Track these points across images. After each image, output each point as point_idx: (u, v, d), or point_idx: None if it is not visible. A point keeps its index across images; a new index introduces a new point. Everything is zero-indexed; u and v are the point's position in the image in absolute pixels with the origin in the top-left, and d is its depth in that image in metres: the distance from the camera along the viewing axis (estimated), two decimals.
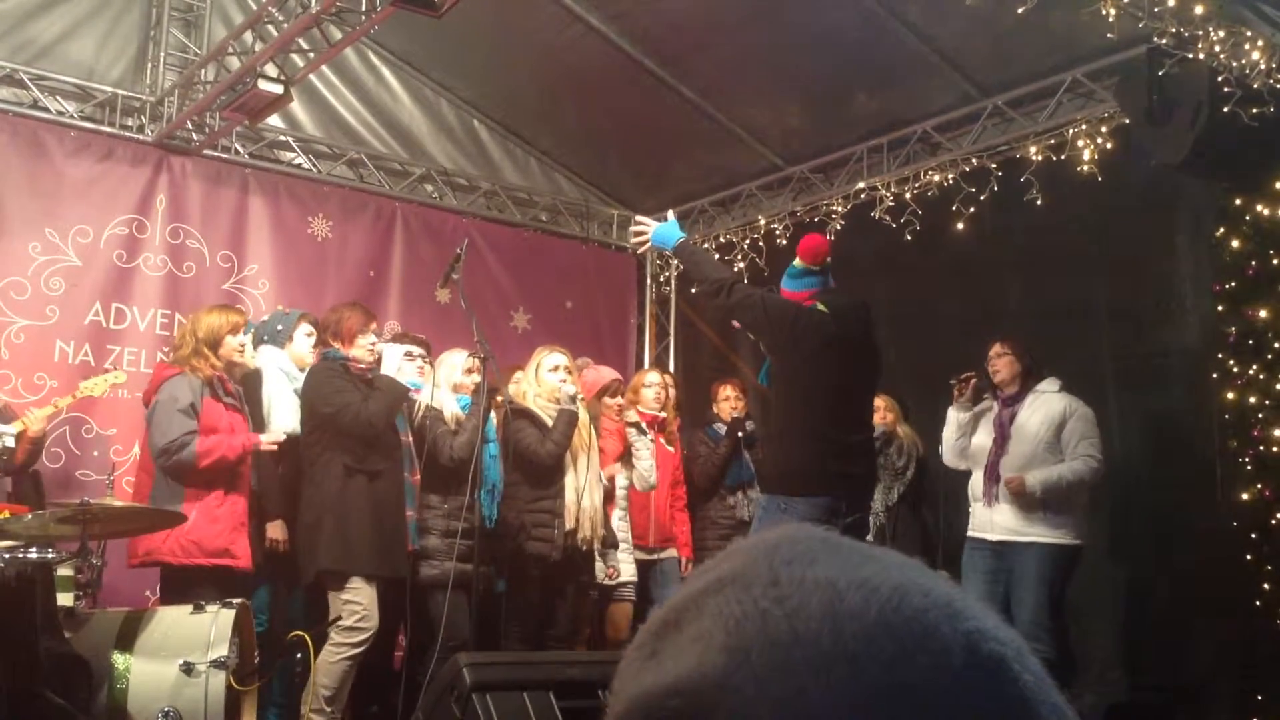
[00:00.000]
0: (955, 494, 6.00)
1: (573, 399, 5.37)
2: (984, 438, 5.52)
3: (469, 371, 5.41)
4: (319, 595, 4.93)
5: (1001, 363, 5.48)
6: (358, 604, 4.73)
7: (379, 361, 5.06)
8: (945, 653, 0.48)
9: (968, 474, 5.64)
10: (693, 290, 4.78)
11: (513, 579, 5.26)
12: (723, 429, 6.51)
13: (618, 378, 6.21)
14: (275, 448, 4.95)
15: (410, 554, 5.00)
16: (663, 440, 6.36)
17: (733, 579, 0.52)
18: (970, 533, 5.51)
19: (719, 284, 4.54)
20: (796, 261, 4.68)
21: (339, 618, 4.72)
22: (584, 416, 5.52)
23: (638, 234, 4.83)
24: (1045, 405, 5.34)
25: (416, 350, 5.40)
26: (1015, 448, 5.32)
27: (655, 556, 6.18)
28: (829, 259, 4.67)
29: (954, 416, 5.64)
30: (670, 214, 4.87)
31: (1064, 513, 5.20)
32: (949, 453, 5.71)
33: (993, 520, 5.34)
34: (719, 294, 4.52)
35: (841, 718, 0.46)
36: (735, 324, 4.91)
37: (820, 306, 4.50)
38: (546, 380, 5.47)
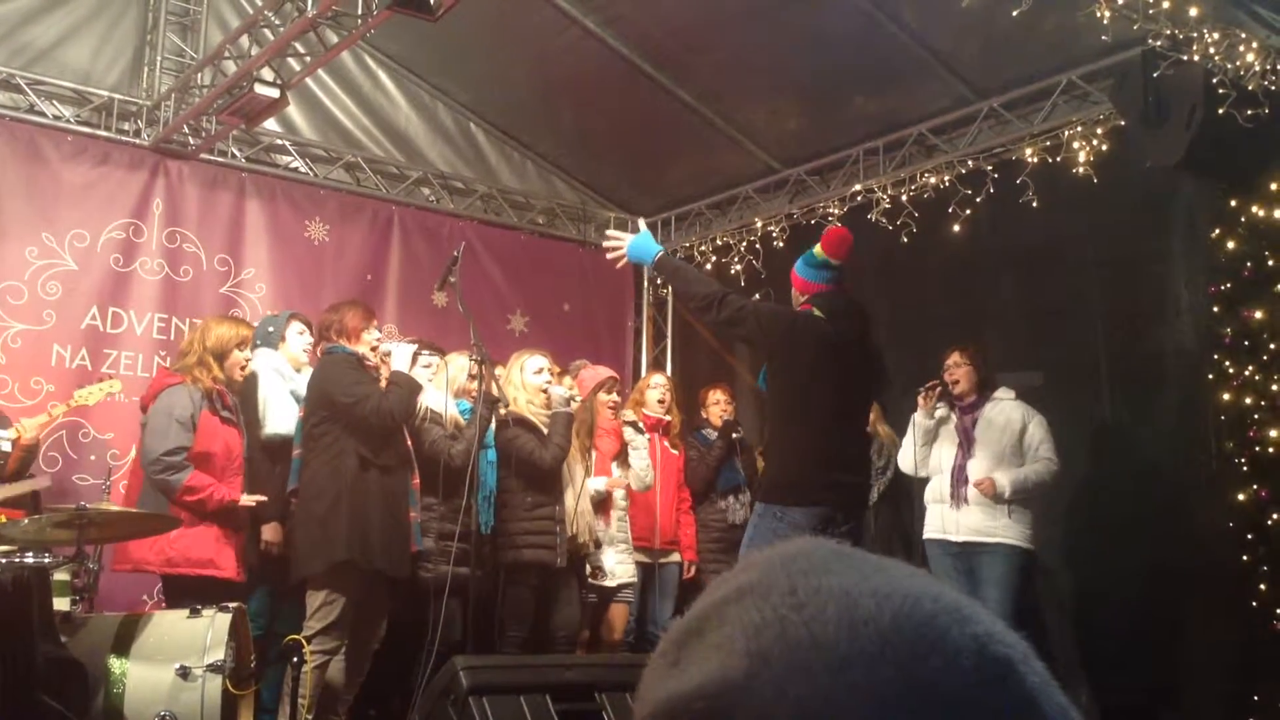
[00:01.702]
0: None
1: (567, 401, 5.36)
2: (943, 443, 5.64)
3: (473, 378, 5.39)
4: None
5: (961, 372, 5.62)
6: (335, 609, 4.69)
7: (388, 359, 5.05)
8: (956, 654, 0.50)
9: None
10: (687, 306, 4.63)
11: (511, 585, 5.25)
12: (712, 434, 6.52)
13: (613, 375, 6.20)
14: (253, 505, 4.89)
15: (415, 554, 4.97)
16: (666, 443, 6.37)
17: (751, 589, 0.55)
18: (930, 535, 5.59)
19: (708, 299, 4.43)
20: (817, 250, 4.53)
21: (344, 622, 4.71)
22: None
23: (611, 249, 4.69)
24: (1005, 412, 5.53)
25: (430, 355, 5.41)
26: (982, 451, 5.47)
27: (658, 561, 6.19)
28: (849, 257, 4.53)
29: (921, 424, 5.71)
30: (642, 224, 4.74)
31: (1026, 516, 5.39)
32: (912, 459, 5.76)
33: (959, 522, 5.45)
34: (709, 309, 4.42)
35: (858, 717, 0.48)
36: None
37: (816, 312, 4.47)
38: (531, 383, 5.46)
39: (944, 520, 5.51)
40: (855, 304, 4.62)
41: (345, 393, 4.78)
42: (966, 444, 5.52)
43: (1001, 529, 5.35)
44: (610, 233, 4.81)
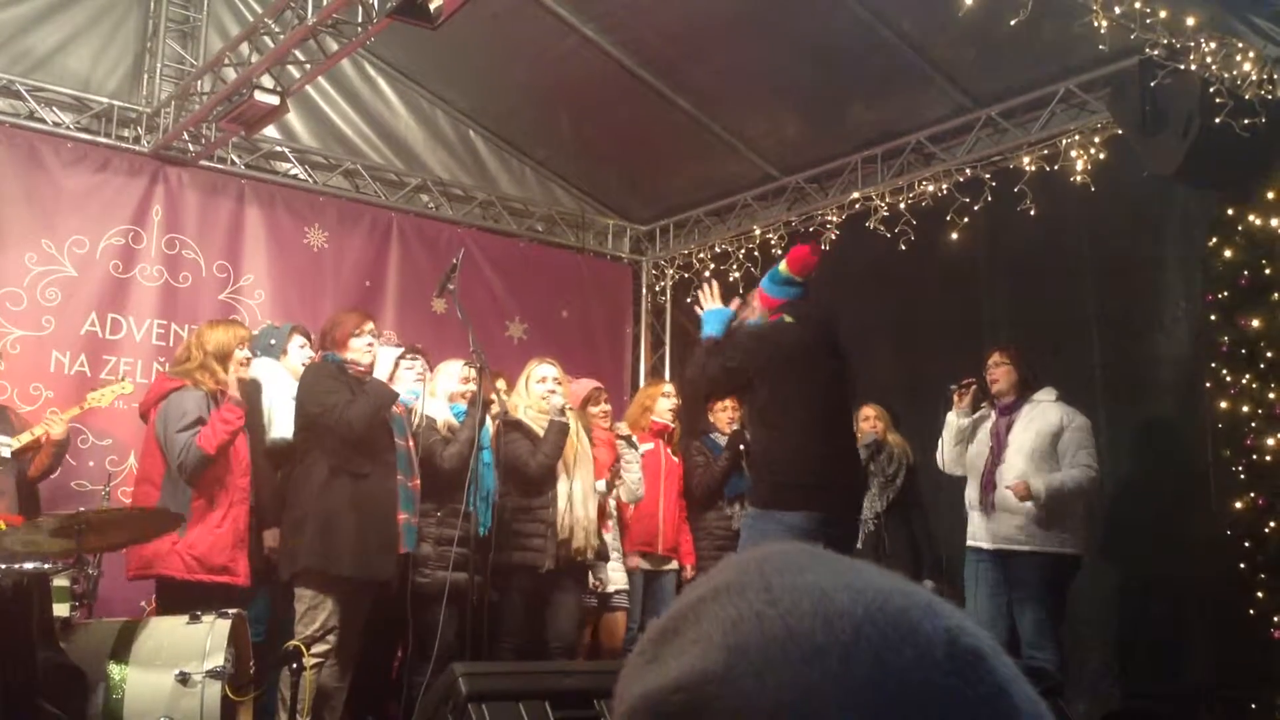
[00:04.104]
0: (945, 501, 6.01)
1: (562, 410, 5.38)
2: (980, 446, 5.52)
3: (465, 381, 5.42)
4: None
5: (1000, 372, 5.48)
6: (320, 612, 4.71)
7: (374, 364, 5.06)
8: (929, 645, 0.51)
9: (960, 481, 5.65)
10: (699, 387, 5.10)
11: (503, 589, 5.26)
12: (720, 439, 6.50)
13: (596, 385, 6.21)
14: (246, 373, 5.03)
15: (403, 557, 4.96)
16: (669, 450, 6.39)
17: (727, 587, 0.56)
18: (969, 542, 5.49)
19: (700, 368, 4.68)
20: (782, 268, 4.68)
21: (333, 628, 4.71)
22: (577, 427, 5.53)
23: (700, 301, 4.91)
24: (1042, 415, 5.34)
25: (416, 359, 5.41)
26: (1012, 456, 5.30)
27: (660, 568, 6.20)
28: (812, 274, 4.69)
29: (954, 422, 5.62)
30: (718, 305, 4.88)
31: (1062, 522, 5.19)
32: (947, 459, 5.69)
33: (990, 529, 5.32)
34: (702, 376, 4.66)
35: (835, 705, 0.49)
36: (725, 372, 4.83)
37: (786, 318, 4.56)
38: (534, 390, 5.50)
39: (978, 527, 5.40)
40: (826, 310, 4.74)
41: (314, 402, 4.86)
42: (998, 448, 5.36)
43: (1032, 536, 5.18)
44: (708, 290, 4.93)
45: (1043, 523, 5.17)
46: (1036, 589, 5.15)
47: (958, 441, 5.60)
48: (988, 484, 5.35)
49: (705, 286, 4.95)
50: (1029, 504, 5.15)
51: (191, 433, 4.77)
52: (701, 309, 4.83)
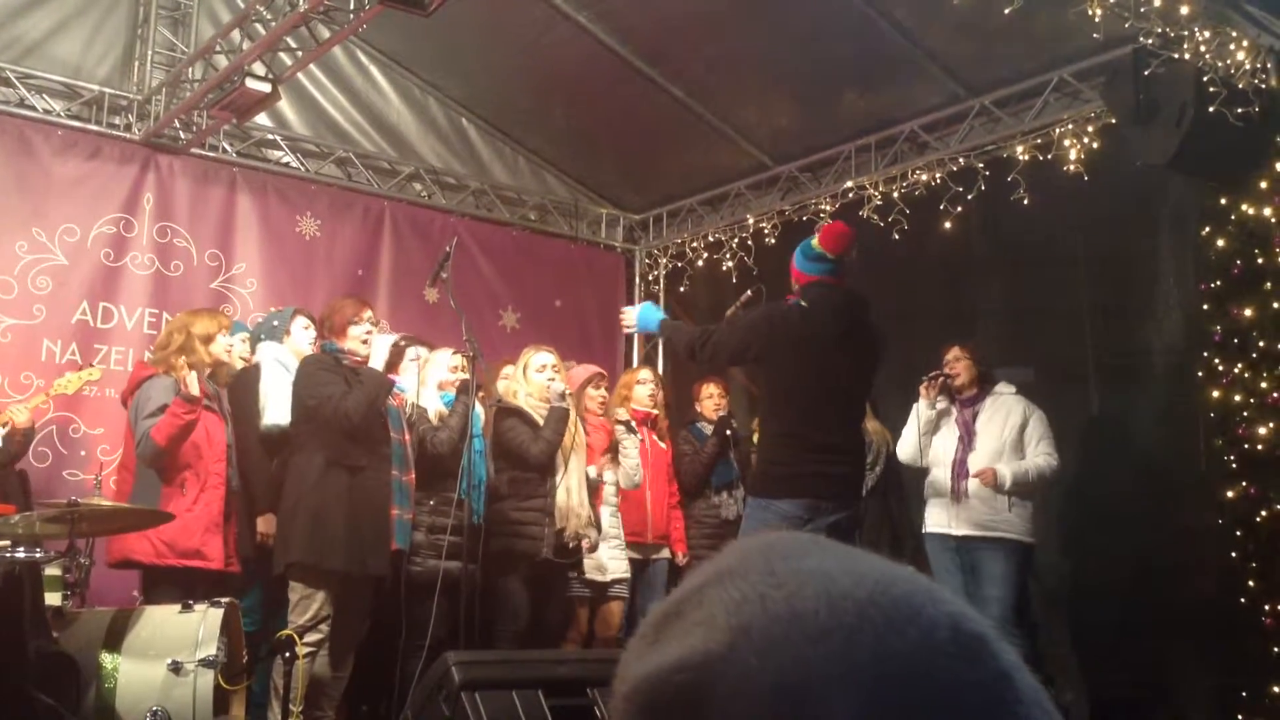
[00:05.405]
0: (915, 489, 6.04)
1: (562, 396, 5.39)
2: (946, 437, 5.65)
3: (454, 370, 5.42)
4: None
5: (960, 366, 5.68)
6: (312, 603, 4.71)
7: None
8: (932, 628, 0.52)
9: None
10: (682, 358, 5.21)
11: (501, 578, 5.26)
12: (707, 428, 6.51)
13: (599, 371, 6.22)
14: (217, 365, 5.05)
15: (396, 553, 4.96)
16: (655, 437, 6.38)
17: (731, 572, 0.56)
18: (930, 529, 5.60)
19: (691, 346, 4.67)
20: (815, 243, 4.58)
21: (325, 618, 4.71)
22: (574, 415, 5.54)
23: (626, 323, 5.12)
24: (1006, 407, 5.56)
25: (418, 348, 5.41)
26: (983, 445, 5.49)
27: (650, 556, 6.21)
28: (847, 252, 4.57)
29: (923, 413, 5.72)
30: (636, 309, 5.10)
31: (1026, 510, 5.41)
32: (911, 449, 5.78)
33: (959, 516, 5.46)
34: (696, 353, 4.65)
35: (838, 684, 0.50)
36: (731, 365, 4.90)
37: (802, 302, 4.51)
38: (534, 379, 5.49)
39: (944, 515, 5.51)
40: (849, 295, 4.59)
41: (310, 395, 4.86)
42: (967, 437, 5.55)
43: (1002, 523, 5.36)
44: (626, 310, 5.17)
45: (1012, 511, 5.36)
46: (1004, 576, 5.29)
47: (925, 432, 5.69)
48: (960, 472, 5.47)
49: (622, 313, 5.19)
50: (999, 492, 5.35)
51: (152, 421, 4.77)
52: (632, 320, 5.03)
